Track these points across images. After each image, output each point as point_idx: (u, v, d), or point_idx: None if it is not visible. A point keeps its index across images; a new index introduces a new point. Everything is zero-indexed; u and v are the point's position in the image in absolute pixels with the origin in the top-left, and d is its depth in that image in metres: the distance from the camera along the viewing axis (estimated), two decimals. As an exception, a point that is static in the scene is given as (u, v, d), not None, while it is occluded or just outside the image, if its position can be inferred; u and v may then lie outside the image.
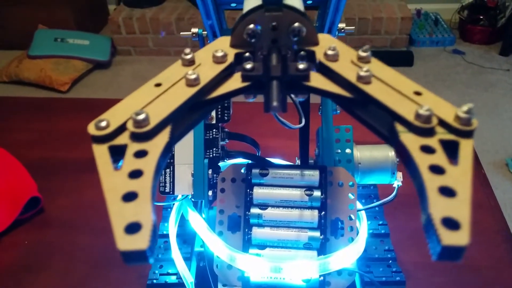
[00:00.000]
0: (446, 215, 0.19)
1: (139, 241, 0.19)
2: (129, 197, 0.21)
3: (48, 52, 2.28)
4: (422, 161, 0.21)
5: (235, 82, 0.27)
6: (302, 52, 0.28)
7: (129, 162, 0.22)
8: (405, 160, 0.23)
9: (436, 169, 0.21)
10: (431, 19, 2.60)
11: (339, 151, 0.53)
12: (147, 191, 0.21)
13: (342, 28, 0.46)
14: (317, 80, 0.26)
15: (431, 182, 0.20)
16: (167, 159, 0.24)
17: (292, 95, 0.36)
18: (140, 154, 0.23)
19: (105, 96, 2.12)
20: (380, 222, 0.60)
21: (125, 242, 0.19)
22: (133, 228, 0.20)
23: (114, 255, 0.24)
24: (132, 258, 0.19)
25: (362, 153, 0.53)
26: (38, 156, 0.86)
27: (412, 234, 0.66)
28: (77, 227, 0.71)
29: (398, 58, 2.31)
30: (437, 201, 0.20)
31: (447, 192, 0.20)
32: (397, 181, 0.53)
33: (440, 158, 0.22)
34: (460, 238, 0.19)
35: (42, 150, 0.88)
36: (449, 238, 0.19)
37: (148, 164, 0.22)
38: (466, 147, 0.22)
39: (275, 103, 0.24)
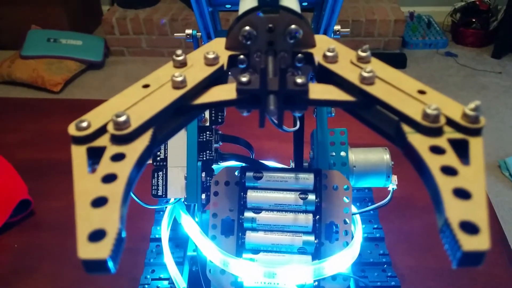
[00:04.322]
0: (464, 219, 0.19)
1: (101, 250, 0.19)
2: (99, 202, 0.20)
3: (41, 52, 2.26)
4: (433, 162, 0.21)
5: (228, 92, 0.26)
6: (299, 55, 0.27)
7: (105, 165, 0.22)
8: (414, 161, 0.22)
9: (448, 170, 0.20)
10: (424, 22, 2.61)
11: (334, 154, 0.52)
12: (118, 197, 0.20)
13: (338, 30, 0.46)
14: (316, 91, 0.25)
15: (445, 184, 0.20)
16: (146, 162, 0.23)
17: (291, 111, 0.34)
18: (117, 157, 0.22)
19: (98, 97, 2.09)
20: (375, 226, 0.60)
21: (86, 250, 0.19)
22: (97, 235, 0.19)
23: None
24: (92, 267, 0.19)
25: (357, 156, 0.53)
26: (29, 158, 0.85)
27: (406, 238, 0.66)
28: (68, 230, 0.70)
29: (391, 60, 2.30)
30: (453, 204, 0.19)
31: (462, 194, 0.20)
32: (392, 184, 0.52)
33: (451, 158, 0.21)
34: (480, 242, 0.18)
35: (34, 151, 0.87)
36: (470, 243, 0.18)
37: (124, 168, 0.21)
38: (476, 145, 0.21)
39: (272, 107, 0.23)
